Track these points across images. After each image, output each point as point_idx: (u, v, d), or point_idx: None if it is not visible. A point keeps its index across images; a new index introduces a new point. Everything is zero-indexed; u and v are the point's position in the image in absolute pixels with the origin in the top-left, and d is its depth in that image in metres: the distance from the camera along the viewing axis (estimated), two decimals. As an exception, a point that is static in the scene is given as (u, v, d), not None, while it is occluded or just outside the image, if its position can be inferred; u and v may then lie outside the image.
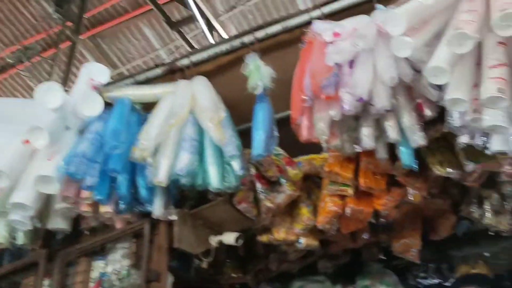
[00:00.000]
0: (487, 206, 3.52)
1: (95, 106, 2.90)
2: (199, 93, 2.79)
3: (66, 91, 3.55)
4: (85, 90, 2.99)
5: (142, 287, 2.92)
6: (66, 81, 4.97)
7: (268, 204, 3.28)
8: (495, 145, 2.41)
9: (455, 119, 2.29)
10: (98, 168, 2.83)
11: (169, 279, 3.16)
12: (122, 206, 2.99)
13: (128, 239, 3.20)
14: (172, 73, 3.10)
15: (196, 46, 6.13)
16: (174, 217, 3.05)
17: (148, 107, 3.03)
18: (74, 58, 5.64)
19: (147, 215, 3.08)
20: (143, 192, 2.95)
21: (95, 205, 3.08)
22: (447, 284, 4.67)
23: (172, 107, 2.72)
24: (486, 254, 4.32)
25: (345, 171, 3.08)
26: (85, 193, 2.98)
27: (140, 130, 2.85)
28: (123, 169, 2.84)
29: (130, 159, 2.81)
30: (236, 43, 2.93)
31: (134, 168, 2.96)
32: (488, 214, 3.55)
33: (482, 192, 3.43)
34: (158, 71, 3.14)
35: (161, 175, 2.71)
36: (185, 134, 2.75)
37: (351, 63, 2.34)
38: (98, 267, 3.21)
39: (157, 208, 2.97)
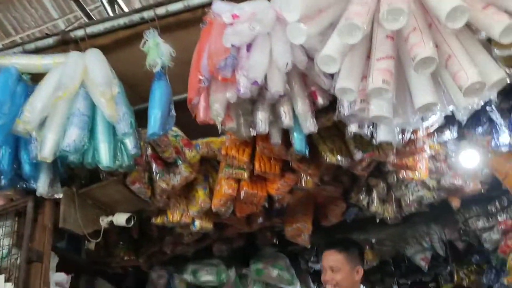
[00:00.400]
0: (374, 194, 3.72)
1: (-22, 74, 2.68)
2: (92, 66, 2.64)
3: None
4: (-33, 56, 2.75)
5: (22, 267, 2.77)
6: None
7: (163, 185, 3.23)
8: (381, 135, 2.53)
9: (345, 108, 2.36)
10: (-24, 140, 2.63)
11: (54, 260, 3.02)
12: (3, 182, 2.80)
13: (10, 217, 3.03)
14: (65, 44, 2.92)
15: (94, 18, 5.85)
16: (59, 196, 2.90)
17: (38, 78, 2.85)
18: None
19: (31, 192, 2.92)
20: (26, 167, 2.78)
21: (-27, 180, 2.87)
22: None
23: (61, 79, 2.55)
24: (373, 240, 4.58)
25: (241, 154, 3.11)
26: (-39, 167, 2.76)
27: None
28: (5, 142, 2.65)
29: (13, 132, 2.62)
30: (136, 18, 2.81)
31: (18, 142, 2.79)
32: (375, 202, 3.75)
33: (370, 180, 3.61)
34: (50, 41, 2.94)
35: (46, 151, 2.55)
36: (75, 109, 2.60)
37: (249, 46, 2.33)
38: (-24, 246, 3.00)
39: (42, 186, 2.82)
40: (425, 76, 2.02)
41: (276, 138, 2.74)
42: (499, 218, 4.14)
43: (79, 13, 5.88)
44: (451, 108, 2.26)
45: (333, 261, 2.62)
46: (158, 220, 3.54)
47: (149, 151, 3.24)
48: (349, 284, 2.59)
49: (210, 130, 2.78)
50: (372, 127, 2.60)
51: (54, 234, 3.03)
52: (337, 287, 2.57)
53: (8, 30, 6.31)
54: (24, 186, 2.88)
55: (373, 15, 2.00)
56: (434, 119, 2.58)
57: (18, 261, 2.83)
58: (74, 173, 3.15)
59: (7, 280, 2.77)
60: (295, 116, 2.58)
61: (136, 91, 3.06)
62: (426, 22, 2.01)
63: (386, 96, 2.02)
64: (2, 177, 2.79)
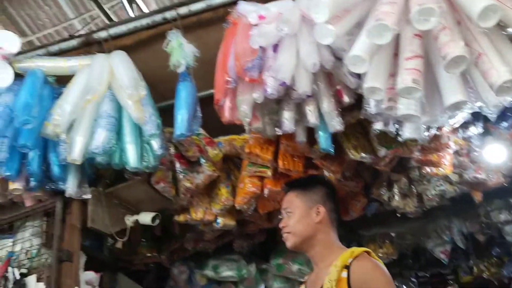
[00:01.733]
0: (395, 189, 3.72)
1: (5, 77, 2.71)
2: (118, 69, 2.67)
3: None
4: (-6, 60, 2.79)
5: (54, 266, 2.81)
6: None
7: (187, 184, 3.26)
8: (407, 132, 2.53)
9: (371, 106, 2.37)
10: (7, 143, 2.68)
11: (83, 259, 3.07)
12: (32, 183, 2.86)
13: (38, 218, 3.08)
14: (88, 45, 2.95)
15: (114, 18, 5.87)
16: (88, 196, 2.95)
17: (62, 80, 2.89)
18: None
19: (59, 193, 2.97)
20: (55, 169, 2.83)
21: (4, 181, 2.94)
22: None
23: (89, 82, 2.59)
24: (393, 234, 4.58)
25: (264, 153, 3.13)
26: (-7, 169, 2.81)
27: (53, 105, 2.72)
28: (35, 145, 2.70)
29: (42, 134, 2.67)
30: (158, 18, 2.83)
31: (47, 144, 2.83)
32: (396, 197, 3.75)
33: (392, 176, 3.61)
34: (74, 42, 2.97)
35: (75, 153, 2.60)
36: (102, 111, 2.64)
37: (275, 47, 2.35)
38: (6, 245, 3.05)
39: (70, 187, 2.86)
40: (455, 74, 2.02)
41: (301, 136, 2.76)
42: (522, 211, 4.14)
43: (95, 12, 5.90)
44: (478, 105, 2.26)
45: (285, 203, 2.18)
46: (181, 218, 3.57)
47: (172, 150, 3.27)
48: (306, 227, 2.07)
49: (231, 127, 2.81)
50: (398, 124, 2.60)
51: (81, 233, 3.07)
52: (291, 234, 2.08)
53: (23, 29, 6.34)
54: (53, 187, 2.92)
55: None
56: (461, 116, 2.58)
57: (49, 261, 2.87)
58: (100, 173, 3.19)
59: (38, 279, 2.81)
60: (320, 115, 2.59)
61: (157, 89, 3.09)
62: (455, 20, 2.01)
63: (416, 95, 2.03)
64: (31, 178, 2.85)
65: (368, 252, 1.97)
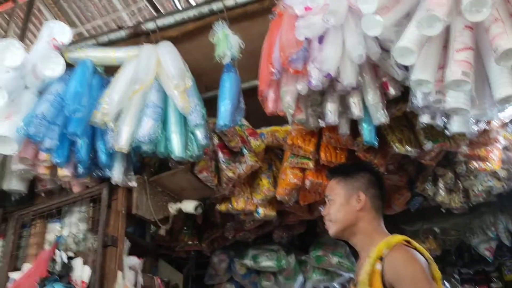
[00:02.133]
0: (441, 184, 3.65)
1: (56, 67, 2.79)
2: (165, 59, 2.72)
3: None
4: (46, 50, 2.88)
5: (99, 251, 2.89)
6: (23, 38, 4.75)
7: (230, 174, 3.29)
8: (455, 126, 2.47)
9: (418, 99, 2.33)
10: (57, 131, 2.76)
11: (127, 244, 3.14)
12: (80, 170, 2.94)
13: (85, 203, 3.17)
14: (136, 36, 3.01)
15: (160, 9, 5.96)
16: (133, 184, 3.01)
17: (110, 70, 2.95)
18: (31, 14, 5.39)
19: (105, 180, 3.05)
20: (102, 157, 2.90)
21: (53, 167, 3.02)
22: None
23: (136, 72, 2.64)
24: (437, 229, 4.50)
25: (307, 144, 3.12)
26: (43, 155, 2.91)
27: (102, 94, 2.79)
28: (83, 133, 2.78)
29: (90, 123, 2.75)
30: (205, 9, 2.86)
31: (95, 133, 2.91)
32: (442, 192, 3.68)
33: (437, 170, 3.54)
34: (122, 33, 3.04)
35: (122, 141, 2.66)
36: (148, 101, 2.69)
37: (321, 38, 2.33)
38: (54, 229, 3.16)
39: (116, 174, 2.93)
40: (506, 67, 1.96)
41: (344, 129, 2.74)
42: None
43: (142, 3, 5.99)
44: (530, 99, 2.19)
45: (327, 190, 2.17)
46: (222, 207, 3.61)
47: (215, 140, 3.31)
48: (346, 215, 2.04)
49: (274, 118, 2.81)
50: (445, 118, 2.54)
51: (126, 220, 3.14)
52: (332, 222, 2.06)
53: (73, 20, 6.51)
54: (100, 174, 3.00)
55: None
56: (511, 110, 2.50)
57: (94, 245, 2.95)
58: (145, 161, 3.26)
59: (84, 263, 2.90)
60: (365, 107, 2.57)
61: (201, 80, 3.13)
62: (508, 12, 1.95)
63: (466, 88, 1.98)
64: (79, 165, 2.93)
65: (408, 241, 1.91)
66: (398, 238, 1.92)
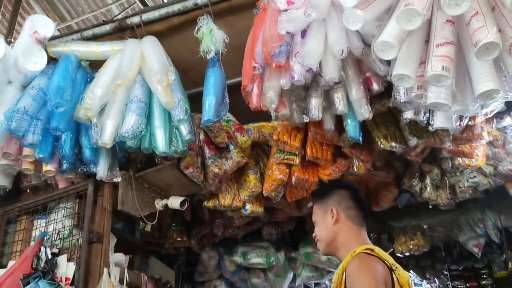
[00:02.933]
0: (428, 181, 3.65)
1: (39, 61, 2.77)
2: (149, 54, 2.70)
3: (11, 43, 3.41)
4: (29, 43, 2.85)
5: (84, 247, 2.88)
6: (11, 32, 4.71)
7: (216, 170, 3.28)
8: (438, 122, 2.47)
9: (401, 95, 2.33)
10: (40, 126, 2.74)
11: (113, 241, 3.13)
12: (65, 165, 2.92)
13: (71, 199, 3.15)
14: (121, 30, 2.99)
15: (150, 4, 5.93)
16: (118, 179, 3.00)
17: (95, 64, 2.94)
18: (20, 8, 5.35)
19: (91, 176, 3.03)
20: (87, 152, 2.88)
21: (37, 163, 3.00)
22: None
23: (120, 67, 2.62)
24: (425, 226, 4.52)
25: (293, 140, 3.12)
26: (26, 151, 2.89)
27: (86, 89, 2.77)
28: (67, 128, 2.75)
29: (74, 118, 2.72)
30: (189, 3, 2.83)
31: (79, 128, 2.89)
32: (429, 188, 3.69)
33: (423, 166, 3.55)
34: (107, 27, 3.01)
35: (106, 137, 2.63)
36: (132, 96, 2.67)
37: (303, 33, 2.32)
38: (40, 226, 3.14)
39: (101, 170, 2.91)
40: (487, 62, 1.96)
41: (329, 124, 2.73)
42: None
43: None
44: (513, 94, 2.19)
45: (312, 216, 2.32)
46: (210, 204, 3.60)
47: (201, 136, 3.30)
48: (326, 231, 2.17)
49: (259, 114, 2.80)
50: (429, 113, 2.54)
51: (112, 216, 3.13)
52: (319, 241, 2.21)
53: (63, 14, 6.47)
54: (85, 170, 2.98)
55: (433, -1, 1.95)
56: (494, 105, 2.50)
57: (79, 242, 2.93)
58: (131, 157, 3.24)
59: (69, 259, 2.89)
60: (349, 102, 2.56)
61: (187, 76, 3.12)
62: (489, 5, 1.94)
63: (446, 83, 1.98)
64: (64, 161, 2.90)
65: (371, 249, 1.99)
66: (362, 247, 2.01)
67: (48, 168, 2.96)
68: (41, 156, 2.82)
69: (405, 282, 1.92)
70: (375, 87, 2.51)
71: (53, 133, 2.73)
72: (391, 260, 1.97)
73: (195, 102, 2.84)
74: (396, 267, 1.95)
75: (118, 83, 2.57)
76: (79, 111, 2.69)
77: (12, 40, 3.75)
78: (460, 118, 2.60)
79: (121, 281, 3.03)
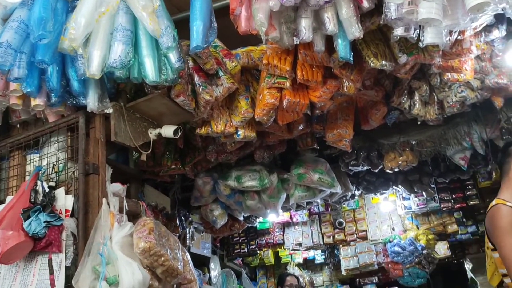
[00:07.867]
0: (416, 97, 3.69)
1: (17, -8, 2.67)
2: (131, -21, 2.60)
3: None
4: (5, -26, 2.73)
5: (80, 179, 2.91)
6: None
7: (207, 97, 3.27)
8: (428, 37, 2.45)
9: (391, 11, 2.29)
10: (25, 59, 2.68)
11: (109, 171, 3.16)
12: (53, 99, 2.89)
13: (62, 133, 3.14)
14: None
15: None
16: (109, 111, 2.98)
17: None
18: None
19: (81, 108, 3.01)
20: (75, 84, 2.84)
21: (26, 98, 2.97)
22: (375, 170, 5.00)
23: (102, -6, 2.53)
24: (413, 142, 4.61)
25: (283, 63, 3.09)
26: (13, 85, 2.85)
27: (68, 19, 2.68)
28: (52, 60, 2.69)
29: (59, 49, 2.65)
30: None
31: (65, 60, 2.83)
32: (417, 105, 3.73)
33: (412, 83, 3.56)
34: (85, -46, 2.87)
35: (94, 67, 2.57)
36: (117, 24, 2.59)
37: (291, -50, 2.24)
38: (33, 160, 3.16)
39: (91, 101, 2.89)
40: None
41: (319, 45, 2.70)
42: (544, 115, 4.08)
43: None
44: (502, 6, 2.17)
45: None
46: (202, 131, 3.61)
47: (190, 63, 3.25)
48: None
49: (251, 38, 2.76)
50: (419, 30, 2.52)
51: (106, 147, 3.14)
52: None
53: None
54: (74, 102, 2.96)
55: None
56: (484, 18, 2.48)
57: (76, 174, 2.96)
58: (120, 88, 3.21)
59: (66, 192, 2.93)
60: (339, 22, 2.52)
61: (170, 1, 3.03)
62: None
63: (437, -3, 1.95)
64: (52, 94, 2.88)
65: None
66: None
67: (37, 102, 2.94)
68: (28, 90, 2.79)
69: None
70: (365, 4, 2.46)
71: (39, 66, 2.67)
72: None
73: (181, 29, 2.78)
74: None
75: (102, 11, 2.49)
76: (63, 42, 2.61)
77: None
78: (450, 33, 2.59)
79: (120, 210, 3.09)
